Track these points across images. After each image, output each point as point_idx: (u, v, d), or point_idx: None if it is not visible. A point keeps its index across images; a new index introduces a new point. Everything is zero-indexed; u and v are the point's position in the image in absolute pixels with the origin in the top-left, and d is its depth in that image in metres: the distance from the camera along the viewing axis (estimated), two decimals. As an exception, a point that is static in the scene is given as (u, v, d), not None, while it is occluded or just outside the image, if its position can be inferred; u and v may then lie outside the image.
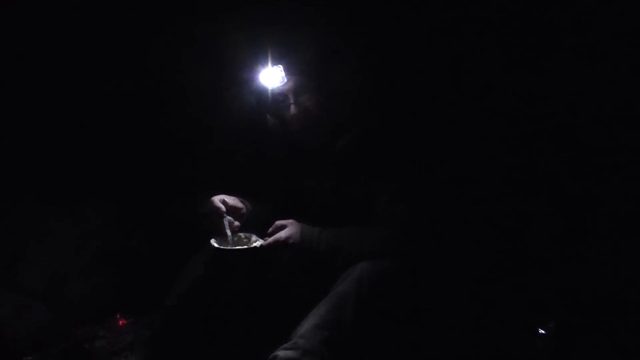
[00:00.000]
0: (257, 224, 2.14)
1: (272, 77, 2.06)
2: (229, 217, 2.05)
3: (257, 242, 2.01)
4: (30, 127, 2.66)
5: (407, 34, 2.48)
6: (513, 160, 2.42)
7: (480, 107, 2.44)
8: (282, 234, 1.97)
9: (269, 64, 2.05)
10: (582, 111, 2.28)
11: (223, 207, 2.05)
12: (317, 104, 2.09)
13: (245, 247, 2.00)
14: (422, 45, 2.48)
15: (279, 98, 2.13)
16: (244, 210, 2.16)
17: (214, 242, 1.98)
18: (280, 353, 1.73)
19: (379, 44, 2.43)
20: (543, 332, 2.06)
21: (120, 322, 2.58)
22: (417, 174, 2.10)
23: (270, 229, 2.03)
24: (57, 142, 2.71)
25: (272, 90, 2.11)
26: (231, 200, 2.12)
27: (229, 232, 2.02)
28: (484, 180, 2.43)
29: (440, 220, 2.11)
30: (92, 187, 2.73)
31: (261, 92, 2.14)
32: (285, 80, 2.07)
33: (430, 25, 2.47)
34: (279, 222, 2.02)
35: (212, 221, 2.05)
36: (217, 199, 2.07)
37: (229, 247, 1.98)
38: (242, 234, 2.08)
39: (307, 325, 1.79)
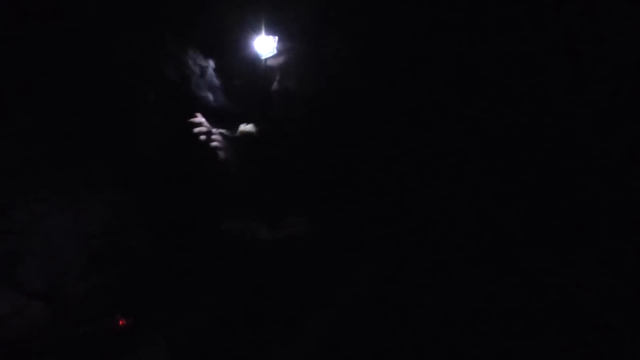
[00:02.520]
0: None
1: (265, 45, 2.09)
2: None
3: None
4: (30, 126, 2.65)
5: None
6: (514, 159, 2.42)
7: (477, 102, 2.44)
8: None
9: (263, 33, 2.08)
10: (571, 110, 2.29)
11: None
12: (298, 92, 2.10)
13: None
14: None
15: (268, 69, 2.16)
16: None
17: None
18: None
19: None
20: (542, 331, 2.06)
21: (120, 322, 2.58)
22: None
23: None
24: (57, 142, 2.70)
25: (264, 59, 2.14)
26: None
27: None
28: (484, 178, 2.43)
29: (439, 221, 2.12)
30: (92, 186, 2.73)
31: (254, 60, 2.16)
32: (277, 51, 2.09)
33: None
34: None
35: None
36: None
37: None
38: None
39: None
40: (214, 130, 2.10)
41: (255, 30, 2.08)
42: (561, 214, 2.29)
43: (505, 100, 2.39)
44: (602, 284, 2.20)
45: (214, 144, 2.11)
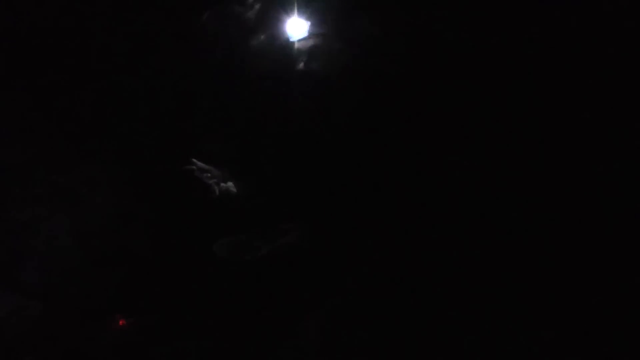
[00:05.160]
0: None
1: (296, 28, 2.09)
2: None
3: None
4: (30, 126, 2.65)
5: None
6: (515, 160, 2.41)
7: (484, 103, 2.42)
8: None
9: (295, 14, 2.09)
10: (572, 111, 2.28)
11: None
12: (323, 73, 2.11)
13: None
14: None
15: (296, 51, 2.16)
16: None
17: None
18: None
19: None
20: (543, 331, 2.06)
21: (120, 322, 2.58)
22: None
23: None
24: (57, 142, 2.71)
25: (294, 42, 2.14)
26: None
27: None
28: (484, 178, 2.43)
29: (440, 222, 2.11)
30: (92, 187, 2.73)
31: (284, 44, 2.17)
32: (309, 34, 2.09)
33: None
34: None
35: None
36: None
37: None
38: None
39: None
40: (209, 168, 2.11)
41: (288, 11, 2.10)
42: (561, 214, 2.29)
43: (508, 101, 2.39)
44: (602, 284, 2.19)
45: (209, 182, 2.14)
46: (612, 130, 2.23)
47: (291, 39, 2.14)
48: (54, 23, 2.65)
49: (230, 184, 2.25)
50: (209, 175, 2.16)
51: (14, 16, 2.57)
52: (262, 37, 2.26)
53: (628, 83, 2.20)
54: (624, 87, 2.20)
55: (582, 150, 2.30)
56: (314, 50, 2.09)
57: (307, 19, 2.08)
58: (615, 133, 2.23)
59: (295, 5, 2.10)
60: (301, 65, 2.15)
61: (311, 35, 2.09)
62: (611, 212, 2.23)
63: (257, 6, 2.29)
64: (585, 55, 2.26)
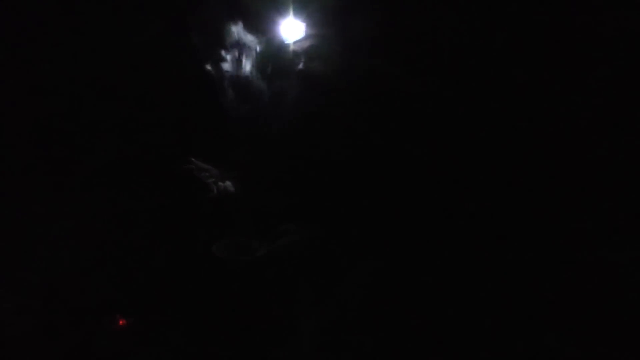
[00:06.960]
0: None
1: (292, 30, 2.10)
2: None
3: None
4: (30, 126, 2.66)
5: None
6: (513, 160, 2.42)
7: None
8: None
9: (291, 15, 2.10)
10: (575, 111, 2.29)
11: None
12: (322, 73, 2.12)
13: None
14: None
15: (293, 53, 2.17)
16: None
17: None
18: None
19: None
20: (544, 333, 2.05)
21: (120, 322, 2.58)
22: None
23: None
24: (57, 142, 2.71)
25: (289, 44, 2.15)
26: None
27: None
28: (484, 178, 2.43)
29: (436, 220, 2.12)
30: (92, 187, 2.73)
31: (279, 46, 2.17)
32: (305, 35, 2.10)
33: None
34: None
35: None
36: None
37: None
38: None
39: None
40: (208, 167, 2.13)
41: (283, 13, 2.11)
42: (561, 214, 2.29)
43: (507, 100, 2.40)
44: (602, 284, 2.20)
45: (208, 181, 2.15)
46: (612, 130, 2.24)
47: (287, 41, 2.15)
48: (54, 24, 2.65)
49: (228, 183, 2.27)
50: (207, 174, 2.17)
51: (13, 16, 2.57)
52: (258, 39, 2.28)
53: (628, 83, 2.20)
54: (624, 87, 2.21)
55: (582, 151, 2.30)
56: (311, 51, 2.11)
57: (303, 20, 2.09)
58: (614, 133, 2.23)
59: (291, 6, 2.11)
60: (298, 66, 2.16)
61: (307, 36, 2.10)
62: (611, 212, 2.23)
63: (252, 8, 2.30)
64: (585, 55, 2.27)
